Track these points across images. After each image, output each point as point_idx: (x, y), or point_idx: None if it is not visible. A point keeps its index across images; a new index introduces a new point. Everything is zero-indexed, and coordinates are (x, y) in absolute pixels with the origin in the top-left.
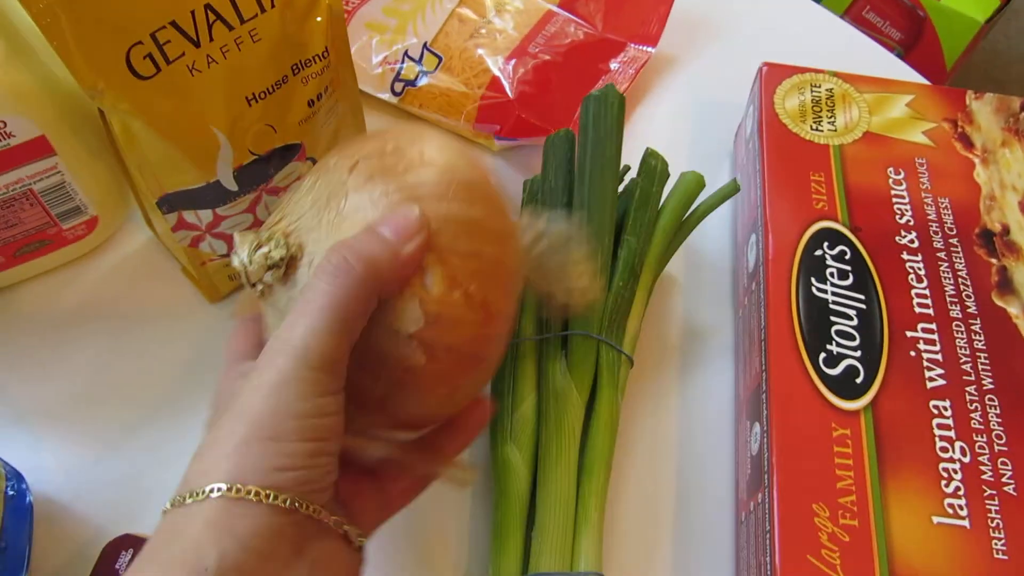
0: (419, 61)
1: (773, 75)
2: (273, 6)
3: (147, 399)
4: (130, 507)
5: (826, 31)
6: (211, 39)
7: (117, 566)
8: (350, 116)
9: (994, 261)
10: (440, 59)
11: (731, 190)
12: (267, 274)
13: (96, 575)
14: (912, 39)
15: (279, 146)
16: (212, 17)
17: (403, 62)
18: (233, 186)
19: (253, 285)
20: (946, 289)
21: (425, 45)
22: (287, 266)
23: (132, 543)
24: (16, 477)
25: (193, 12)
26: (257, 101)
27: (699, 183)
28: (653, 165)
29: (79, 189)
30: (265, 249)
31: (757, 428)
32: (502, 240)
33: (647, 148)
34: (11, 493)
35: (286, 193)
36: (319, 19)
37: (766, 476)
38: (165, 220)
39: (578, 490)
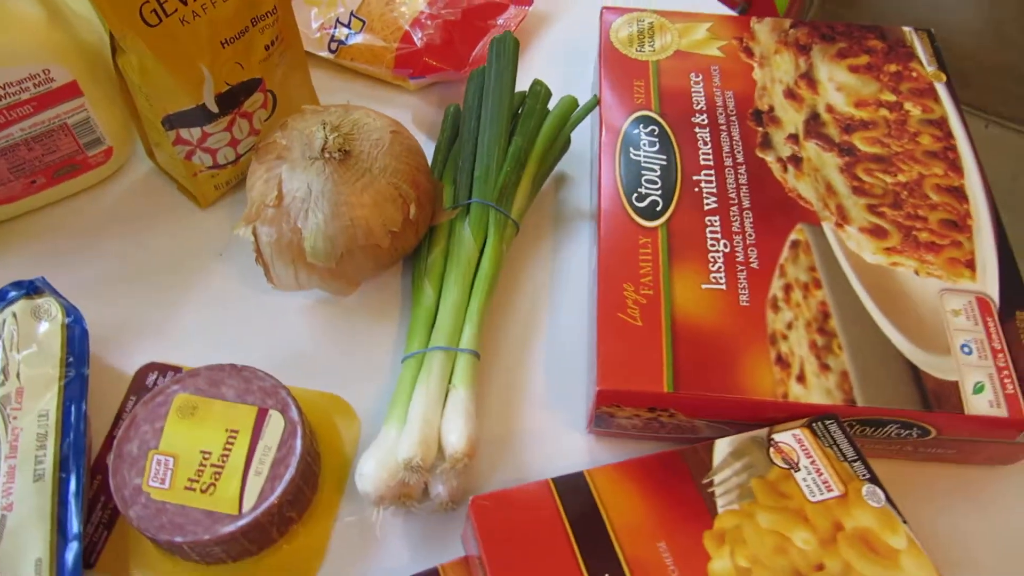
0: (347, 25)
1: (610, 15)
2: None
3: (157, 276)
4: (151, 343)
5: None
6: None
7: (147, 382)
8: (296, 61)
9: (760, 129)
10: (364, 22)
11: (592, 104)
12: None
13: (132, 390)
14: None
15: (246, 79)
16: None
17: (335, 27)
18: (215, 108)
19: (326, 151)
20: (723, 147)
21: (352, 13)
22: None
23: (156, 367)
24: (74, 312)
25: None
26: (229, 44)
27: (573, 103)
28: (538, 90)
29: (99, 123)
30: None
31: (595, 248)
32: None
33: (535, 79)
34: (71, 324)
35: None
36: None
37: (595, 275)
38: (167, 136)
39: (468, 301)
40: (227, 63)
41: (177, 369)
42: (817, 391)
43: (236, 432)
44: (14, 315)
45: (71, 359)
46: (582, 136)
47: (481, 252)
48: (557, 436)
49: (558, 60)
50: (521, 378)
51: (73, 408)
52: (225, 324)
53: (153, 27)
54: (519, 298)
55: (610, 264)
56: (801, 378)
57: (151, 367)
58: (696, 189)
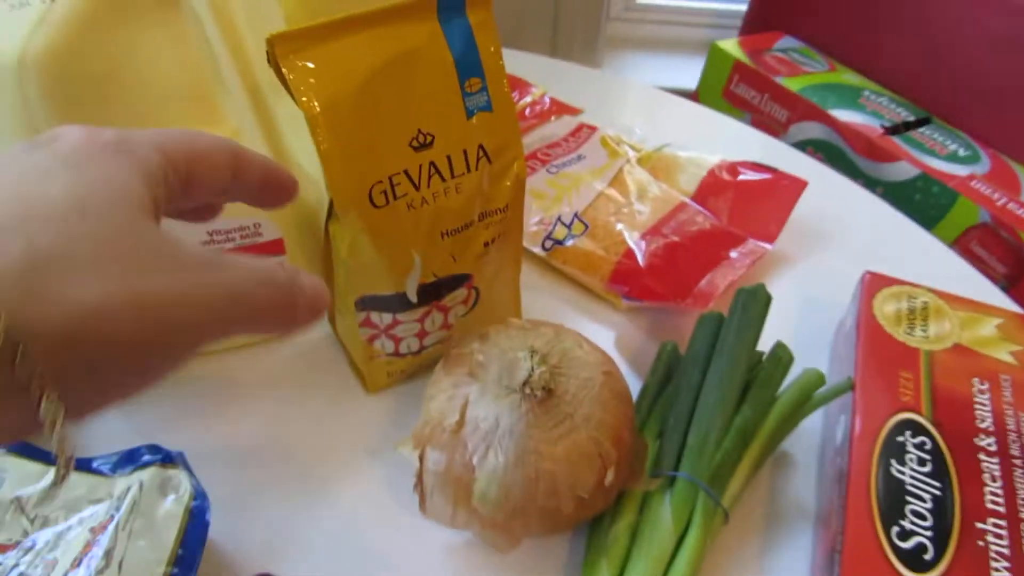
0: (569, 225)
1: (874, 283)
2: (477, 168)
3: (299, 463)
4: (272, 550)
5: (932, 256)
6: (428, 186)
7: None
8: (511, 261)
9: None
10: (587, 227)
11: (845, 387)
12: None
13: None
14: (1016, 274)
15: (456, 273)
16: (432, 171)
17: (555, 225)
18: (415, 299)
19: (528, 386)
20: (1019, 493)
21: (576, 214)
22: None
23: None
24: (202, 496)
25: (420, 166)
26: (449, 236)
27: (820, 380)
28: (780, 355)
29: None
30: (543, 369)
31: None
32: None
33: (778, 340)
34: (195, 512)
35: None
36: (508, 183)
37: None
38: (355, 316)
39: None
40: (441, 255)
41: None
42: None
43: None
44: (141, 484)
45: (181, 553)
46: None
47: (680, 542)
48: None
49: (790, 315)
50: None
51: None
52: (359, 541)
53: (378, 208)
54: None
55: None
56: None
57: None
58: (980, 542)
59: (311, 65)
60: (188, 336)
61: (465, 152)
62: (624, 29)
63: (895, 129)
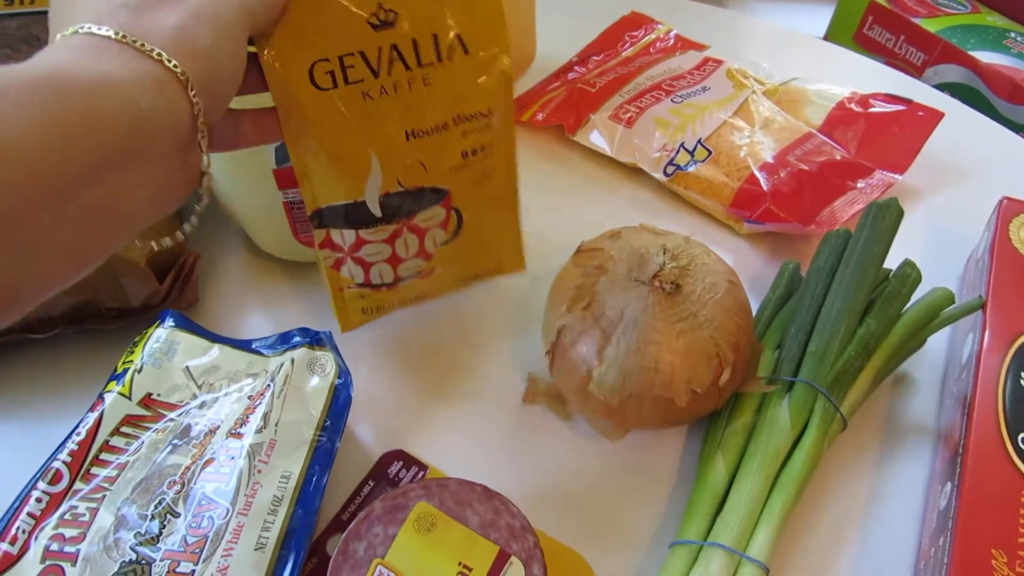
0: (692, 151)
1: (1011, 208)
2: (450, 59)
3: (435, 358)
4: (405, 431)
5: None
6: (389, 74)
7: (388, 471)
8: (503, 189)
9: None
10: (710, 152)
11: (975, 305)
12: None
13: (373, 472)
14: None
15: (426, 186)
16: (394, 56)
17: (678, 151)
18: (377, 212)
19: (657, 279)
20: None
21: (700, 140)
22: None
23: (402, 457)
24: (346, 374)
25: (380, 49)
26: (415, 138)
27: (949, 298)
28: (908, 272)
29: None
30: (674, 264)
31: (948, 486)
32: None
33: (906, 259)
34: (339, 388)
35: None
36: (490, 81)
37: (950, 521)
38: (314, 234)
39: (767, 498)
40: (407, 159)
41: (422, 467)
42: None
43: (470, 570)
44: (292, 361)
45: (328, 424)
46: (937, 336)
47: (795, 443)
48: None
49: (921, 242)
50: None
51: (315, 479)
52: (485, 433)
53: (322, 91)
54: (826, 509)
55: (976, 518)
56: None
57: (397, 455)
58: None
59: None
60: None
61: (436, 37)
62: None
63: None
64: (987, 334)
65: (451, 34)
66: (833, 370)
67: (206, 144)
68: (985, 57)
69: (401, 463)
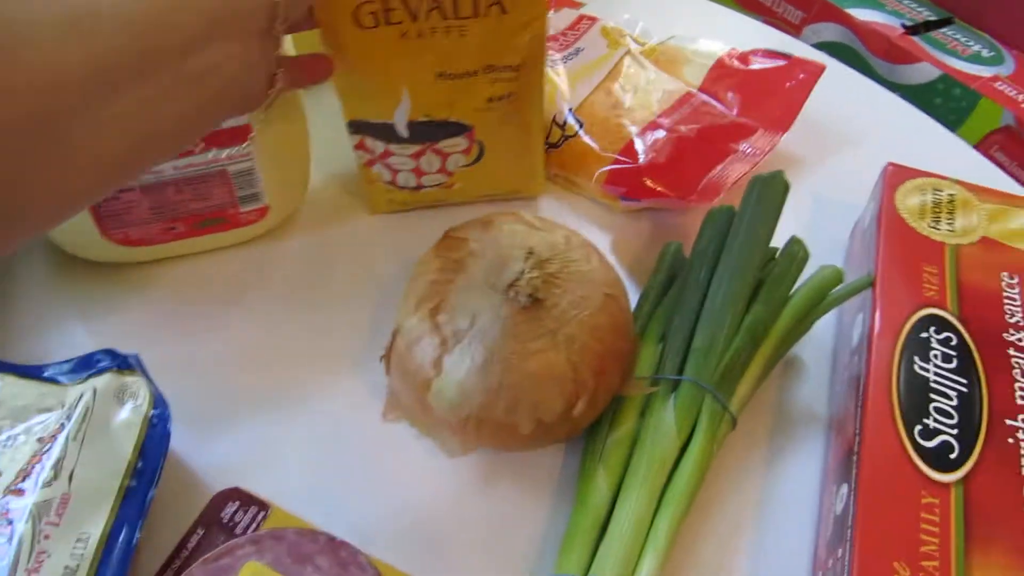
0: (562, 126)
1: (897, 175)
2: (488, 15)
3: (272, 372)
4: (242, 464)
5: (955, 155)
6: (427, 19)
7: (222, 514)
8: (526, 126)
9: None
10: (581, 124)
11: (864, 284)
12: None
13: (203, 517)
14: None
15: (452, 119)
16: (433, 4)
17: (549, 129)
18: (404, 134)
19: (513, 290)
20: None
21: (570, 109)
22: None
23: (239, 496)
24: (162, 405)
25: None
26: (445, 80)
27: (838, 277)
28: (795, 251)
29: (262, 178)
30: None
31: (845, 488)
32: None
33: (792, 236)
34: (155, 421)
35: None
36: (524, 40)
37: (848, 531)
38: (351, 138)
39: (654, 516)
40: (437, 97)
41: (263, 506)
42: None
43: None
44: (94, 390)
45: (140, 466)
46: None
47: (683, 449)
48: None
49: (806, 213)
50: None
51: (123, 536)
52: (340, 458)
53: (364, 30)
54: (717, 517)
55: (875, 525)
56: None
57: (232, 494)
58: (1010, 440)
59: None
60: None
61: None
62: None
63: (915, 29)
64: (877, 315)
65: None
66: (720, 365)
67: (283, 29)
68: (860, 14)
69: (238, 503)
